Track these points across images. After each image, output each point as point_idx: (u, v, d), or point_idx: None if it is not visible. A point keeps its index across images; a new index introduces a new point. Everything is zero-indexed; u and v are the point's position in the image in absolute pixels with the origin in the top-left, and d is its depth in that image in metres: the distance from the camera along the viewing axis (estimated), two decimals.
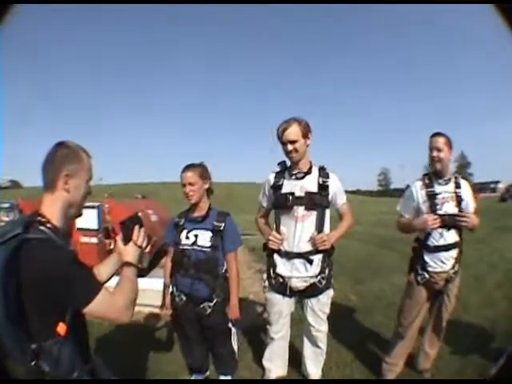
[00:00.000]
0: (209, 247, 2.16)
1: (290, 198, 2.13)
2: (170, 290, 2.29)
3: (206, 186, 2.24)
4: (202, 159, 2.30)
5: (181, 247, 2.21)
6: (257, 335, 3.28)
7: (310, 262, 2.14)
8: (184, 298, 2.20)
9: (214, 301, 2.15)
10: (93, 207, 5.30)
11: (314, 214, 2.15)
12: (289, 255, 2.18)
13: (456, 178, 2.38)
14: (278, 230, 2.21)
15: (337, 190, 2.24)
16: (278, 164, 2.27)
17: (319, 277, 2.17)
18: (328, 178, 2.19)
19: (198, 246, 2.17)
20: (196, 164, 2.25)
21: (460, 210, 2.27)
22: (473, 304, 3.92)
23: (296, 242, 2.15)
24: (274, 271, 2.23)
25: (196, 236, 2.19)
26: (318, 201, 2.14)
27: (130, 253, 1.27)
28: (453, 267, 2.32)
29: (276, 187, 2.21)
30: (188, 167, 2.20)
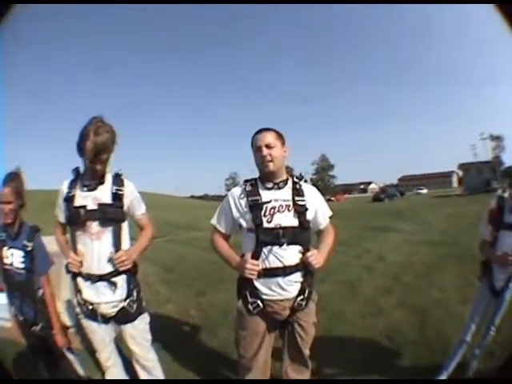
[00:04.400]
0: (23, 269, 2.06)
1: (82, 212, 1.89)
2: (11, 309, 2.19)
3: (20, 203, 2.10)
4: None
5: (5, 266, 2.09)
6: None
7: (114, 284, 1.93)
8: (20, 319, 2.12)
9: (40, 325, 2.08)
10: None
11: (109, 229, 1.94)
12: (91, 278, 1.93)
13: (295, 182, 1.92)
14: (75, 249, 1.96)
15: (133, 199, 2.02)
16: (72, 171, 2.00)
17: (128, 300, 1.96)
18: (123, 185, 1.99)
19: (15, 267, 2.07)
20: (13, 177, 2.08)
21: (301, 222, 1.83)
22: (353, 314, 3.59)
23: (95, 262, 1.92)
24: (80, 297, 1.98)
25: (12, 255, 2.08)
26: (112, 214, 1.93)
27: None
28: (301, 293, 1.85)
29: (68, 199, 1.96)
30: (5, 182, 2.04)
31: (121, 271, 1.92)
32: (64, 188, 2.00)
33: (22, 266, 2.06)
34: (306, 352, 1.97)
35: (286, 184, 1.90)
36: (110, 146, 1.86)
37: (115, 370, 2.11)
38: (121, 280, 1.94)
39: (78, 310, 2.02)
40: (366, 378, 2.41)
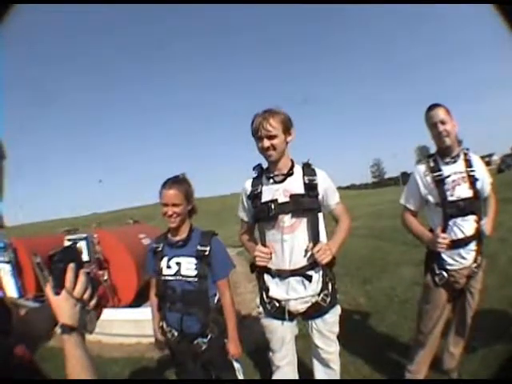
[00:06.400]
0: (195, 277, 1.90)
1: (273, 206, 1.81)
2: (161, 324, 2.06)
3: (190, 207, 1.98)
4: (194, 174, 2.04)
5: (163, 278, 1.95)
6: (263, 357, 2.96)
7: (309, 278, 1.83)
8: (176, 334, 1.97)
9: (209, 336, 1.92)
10: (81, 239, 5.32)
11: (304, 221, 1.83)
12: (282, 274, 1.87)
13: (466, 154, 2.07)
14: (264, 245, 1.90)
15: (327, 188, 1.91)
16: (254, 168, 1.96)
17: (322, 294, 1.86)
18: (315, 175, 1.88)
19: (183, 276, 1.91)
20: (181, 179, 1.99)
21: (475, 192, 1.98)
22: (489, 285, 3.55)
23: (287, 257, 1.84)
24: (267, 295, 1.92)
25: (178, 264, 1.93)
26: (306, 204, 1.81)
27: (62, 308, 0.83)
28: (475, 261, 2.05)
29: (254, 196, 1.90)
30: (173, 183, 1.93)
31: (315, 264, 1.81)
32: (247, 186, 1.95)
33: (194, 273, 1.89)
34: (469, 321, 2.18)
35: (459, 157, 2.06)
36: (278, 132, 1.77)
37: (288, 369, 2.01)
38: (316, 274, 1.85)
39: (260, 309, 1.98)
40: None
